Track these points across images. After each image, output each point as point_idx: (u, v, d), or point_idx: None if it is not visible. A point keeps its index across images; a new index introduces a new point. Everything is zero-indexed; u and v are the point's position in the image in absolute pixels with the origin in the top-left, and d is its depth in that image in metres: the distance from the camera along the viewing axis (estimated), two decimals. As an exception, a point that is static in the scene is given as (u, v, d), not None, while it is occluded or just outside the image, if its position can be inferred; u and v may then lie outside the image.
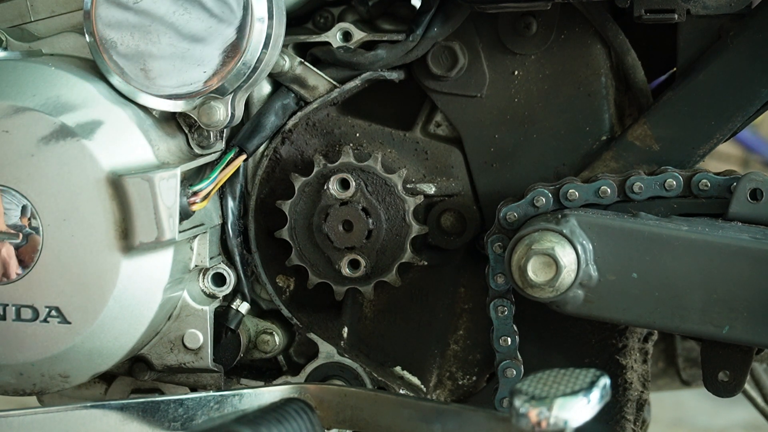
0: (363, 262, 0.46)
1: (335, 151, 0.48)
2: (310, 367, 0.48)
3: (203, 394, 0.42)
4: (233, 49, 0.42)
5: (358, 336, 0.49)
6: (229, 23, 0.42)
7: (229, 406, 0.41)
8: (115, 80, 0.43)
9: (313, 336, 0.48)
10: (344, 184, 0.46)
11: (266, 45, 0.43)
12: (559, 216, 0.42)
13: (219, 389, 0.46)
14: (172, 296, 0.45)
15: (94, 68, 0.44)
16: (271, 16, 0.42)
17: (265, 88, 0.47)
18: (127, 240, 0.41)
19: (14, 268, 0.42)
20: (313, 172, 0.47)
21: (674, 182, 0.43)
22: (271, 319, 0.49)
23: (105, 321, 0.42)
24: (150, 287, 0.43)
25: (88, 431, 0.42)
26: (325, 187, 0.46)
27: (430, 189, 0.47)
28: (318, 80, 0.47)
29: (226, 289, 0.47)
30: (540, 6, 0.44)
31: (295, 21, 0.47)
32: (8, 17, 0.47)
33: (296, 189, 0.47)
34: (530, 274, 0.41)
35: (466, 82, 0.47)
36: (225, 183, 0.46)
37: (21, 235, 0.42)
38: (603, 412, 0.34)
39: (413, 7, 0.50)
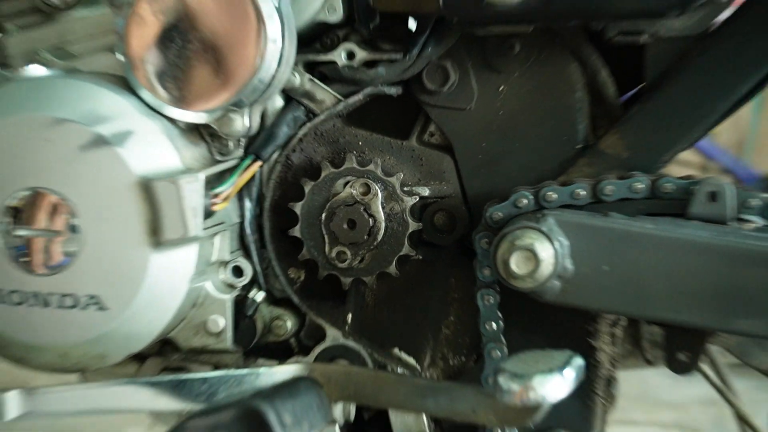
0: (349, 255, 0.45)
1: (340, 158, 0.48)
2: (318, 349, 0.48)
3: (224, 372, 0.42)
4: (250, 67, 0.42)
5: (360, 322, 0.49)
6: (245, 44, 0.42)
7: (247, 383, 0.42)
8: (145, 95, 0.43)
9: (320, 321, 0.48)
10: (365, 188, 0.45)
11: (279, 63, 0.43)
12: (539, 216, 0.42)
13: (238, 368, 0.46)
14: (196, 286, 0.45)
15: (126, 84, 0.44)
16: (283, 38, 0.42)
17: (278, 101, 0.47)
18: (156, 237, 0.41)
19: (57, 262, 0.42)
20: (321, 177, 0.47)
21: (641, 186, 0.43)
22: (283, 307, 0.49)
23: (137, 308, 0.42)
24: (177, 278, 0.43)
25: (122, 405, 0.42)
26: (351, 188, 0.45)
27: (425, 191, 0.47)
28: (325, 95, 0.47)
29: (244, 280, 0.47)
30: (522, 29, 0.44)
31: (305, 42, 0.47)
32: (51, 39, 0.46)
33: (306, 192, 0.47)
34: (513, 267, 0.41)
35: (457, 97, 0.47)
36: (243, 186, 0.46)
37: (63, 232, 0.42)
38: (576, 388, 0.34)
39: (410, 29, 0.49)
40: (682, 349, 0.44)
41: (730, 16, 0.45)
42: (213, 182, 0.44)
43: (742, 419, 0.63)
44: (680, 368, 0.45)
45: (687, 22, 0.45)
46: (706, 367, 0.61)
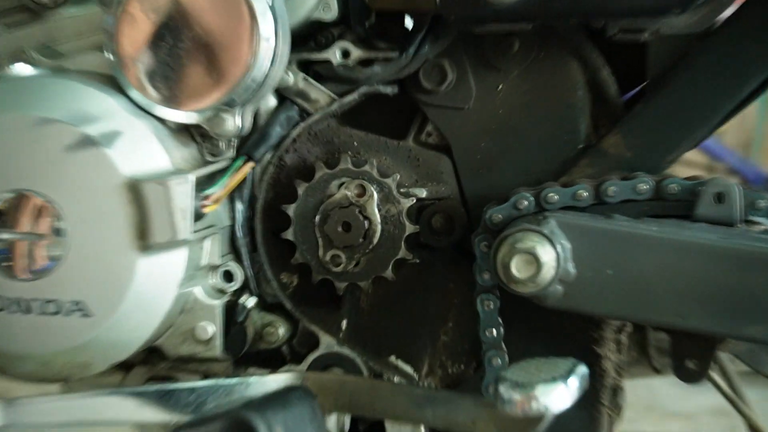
0: (344, 259, 0.45)
1: (335, 159, 0.47)
2: (311, 357, 0.47)
3: (214, 381, 0.42)
4: (242, 66, 0.42)
5: (355, 328, 0.49)
6: (238, 43, 0.41)
7: (237, 392, 0.41)
8: (135, 94, 0.43)
9: (314, 328, 0.48)
10: (360, 190, 0.45)
11: (272, 62, 0.42)
12: (540, 218, 0.42)
13: (228, 377, 0.45)
14: (185, 291, 0.44)
15: (115, 83, 0.43)
16: (276, 37, 0.42)
17: (272, 101, 0.47)
18: (144, 240, 0.41)
19: (41, 266, 0.41)
20: (315, 178, 0.47)
21: (645, 187, 0.43)
22: (275, 313, 0.49)
23: (123, 314, 0.41)
24: (165, 283, 0.42)
25: (106, 416, 0.41)
26: (346, 189, 0.45)
27: (422, 193, 0.47)
28: (319, 94, 0.46)
29: (235, 285, 0.46)
30: (522, 27, 0.44)
31: (299, 40, 0.47)
32: (38, 38, 0.46)
33: (299, 193, 0.47)
34: (514, 270, 0.40)
35: (455, 96, 0.46)
36: (234, 188, 0.46)
37: (48, 236, 0.41)
38: (581, 398, 0.34)
39: (406, 27, 0.49)
40: (690, 357, 0.43)
41: (733, 14, 0.44)
42: (203, 184, 0.44)
43: (755, 430, 0.62)
44: (689, 377, 0.44)
45: (689, 19, 0.44)
46: (716, 376, 0.60)
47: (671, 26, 0.44)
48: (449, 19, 0.42)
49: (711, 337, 0.43)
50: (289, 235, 0.47)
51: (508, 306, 0.44)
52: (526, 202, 0.43)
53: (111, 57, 0.43)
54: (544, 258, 0.40)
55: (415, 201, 0.47)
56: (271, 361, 0.49)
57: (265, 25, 0.42)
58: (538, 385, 0.32)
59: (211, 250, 0.46)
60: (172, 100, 0.43)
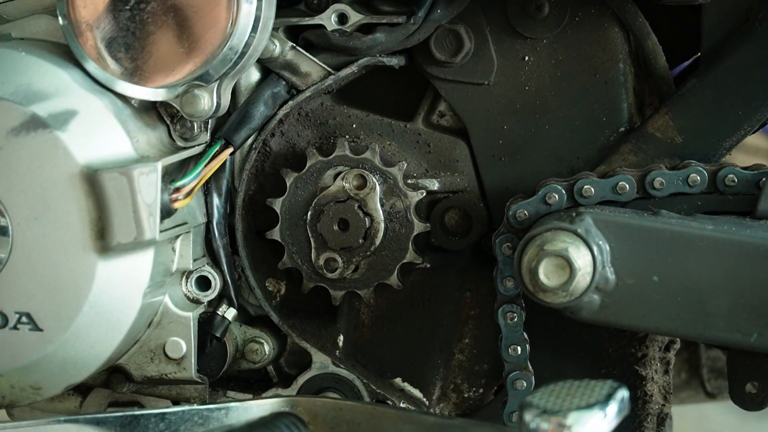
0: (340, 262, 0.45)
1: (330, 144, 0.48)
2: (302, 379, 0.48)
3: (186, 407, 0.42)
4: (219, 33, 0.42)
5: (354, 345, 0.50)
6: (214, 5, 0.42)
7: (215, 420, 0.42)
8: (91, 66, 0.43)
9: (305, 344, 0.48)
10: (360, 181, 0.45)
11: (255, 28, 0.43)
12: (574, 214, 0.42)
13: (204, 402, 0.46)
14: (152, 301, 0.45)
15: (68, 53, 0.44)
16: (260, -3, 0.43)
17: (254, 75, 0.47)
18: (103, 240, 0.41)
19: (-19, 271, 0.42)
20: (306, 167, 0.47)
21: (698, 177, 0.43)
22: (260, 327, 0.49)
23: (80, 328, 0.42)
24: (128, 291, 0.43)
25: (61, 448, 0.42)
26: (343, 180, 0.45)
27: (433, 184, 0.48)
28: (311, 66, 0.47)
29: (211, 294, 0.47)
30: (552, -15, 0.45)
31: (287, 2, 0.48)
32: (-27, -2, 0.47)
33: (288, 185, 0.47)
34: (542, 277, 0.41)
35: (473, 69, 0.47)
36: (210, 178, 0.46)
37: (-12, 235, 0.42)
38: (621, 427, 0.34)
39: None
40: (750, 379, 0.44)
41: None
42: (173, 173, 0.44)
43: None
44: (749, 402, 0.45)
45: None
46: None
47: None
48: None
49: (775, 356, 0.44)
50: (275, 234, 0.48)
51: (535, 319, 0.45)
52: (556, 196, 0.44)
53: (62, 21, 0.43)
54: (578, 262, 0.41)
55: (425, 194, 0.47)
56: (255, 384, 0.50)
57: (247, -17, 0.42)
58: (570, 412, 0.33)
59: (183, 252, 0.46)
60: (135, 73, 0.43)
